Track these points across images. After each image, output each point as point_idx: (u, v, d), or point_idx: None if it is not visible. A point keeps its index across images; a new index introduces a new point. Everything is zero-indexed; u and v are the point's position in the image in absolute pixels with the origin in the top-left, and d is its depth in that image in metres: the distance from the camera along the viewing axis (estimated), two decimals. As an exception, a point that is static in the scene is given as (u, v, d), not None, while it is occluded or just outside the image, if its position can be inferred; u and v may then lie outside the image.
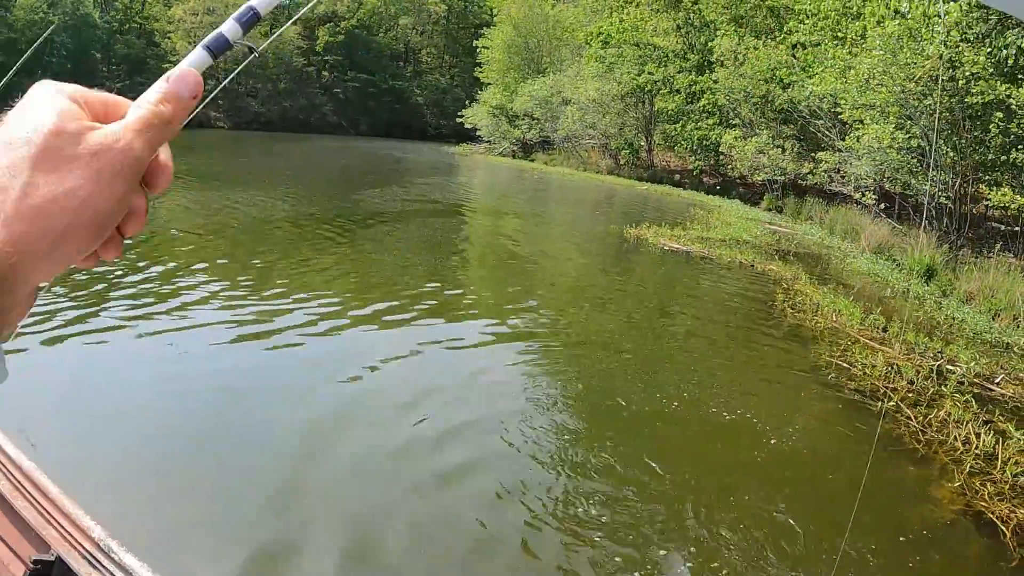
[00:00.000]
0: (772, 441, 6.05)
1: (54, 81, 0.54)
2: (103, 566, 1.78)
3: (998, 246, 14.88)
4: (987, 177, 15.60)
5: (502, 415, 5.87)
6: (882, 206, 17.45)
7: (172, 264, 9.50)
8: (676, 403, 6.58)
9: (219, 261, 10.11)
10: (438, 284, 10.08)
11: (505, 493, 4.72)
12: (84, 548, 1.81)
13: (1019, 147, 14.47)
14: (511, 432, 5.59)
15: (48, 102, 0.51)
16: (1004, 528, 5.11)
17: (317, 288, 9.09)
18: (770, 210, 18.40)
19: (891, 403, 6.97)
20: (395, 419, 5.64)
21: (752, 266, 12.06)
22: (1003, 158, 14.82)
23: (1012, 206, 14.37)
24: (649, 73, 29.30)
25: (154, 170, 0.56)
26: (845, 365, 7.87)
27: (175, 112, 0.55)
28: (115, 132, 0.52)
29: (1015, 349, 10.26)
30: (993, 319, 11.67)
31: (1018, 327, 11.20)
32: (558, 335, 8.41)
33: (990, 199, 14.55)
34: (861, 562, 4.46)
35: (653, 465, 5.37)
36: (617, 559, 4.18)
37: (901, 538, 4.88)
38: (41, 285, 0.53)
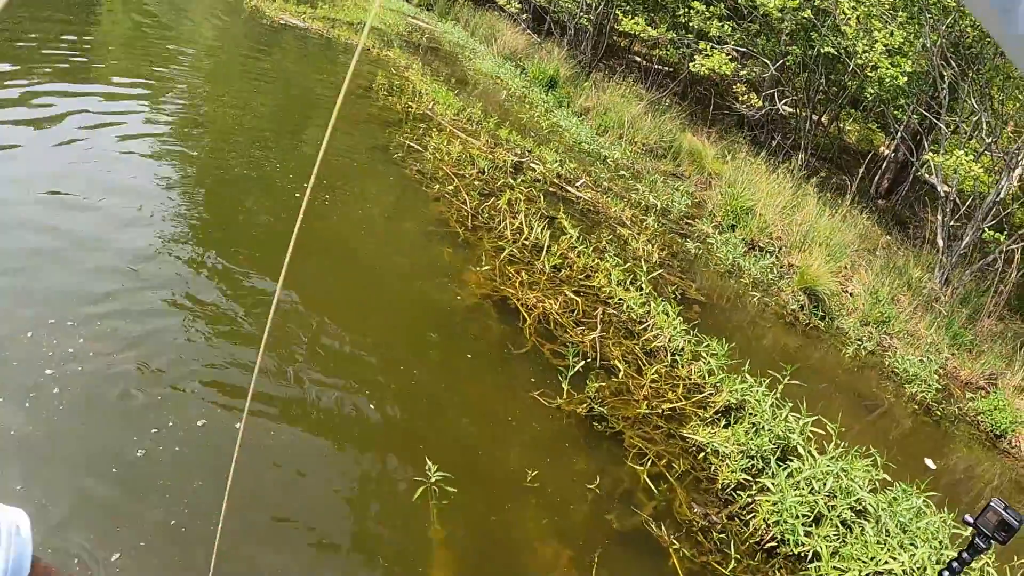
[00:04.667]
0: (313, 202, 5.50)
1: None
2: None
3: (622, 69, 15.30)
4: (627, 7, 15.77)
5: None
6: (524, 16, 17.11)
7: None
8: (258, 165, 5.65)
9: None
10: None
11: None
12: None
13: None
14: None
15: None
16: (527, 315, 5.07)
17: None
18: (420, 6, 17.18)
19: (451, 187, 6.34)
20: None
21: (369, 50, 10.77)
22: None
23: (643, 36, 14.81)
24: None
25: None
26: (419, 148, 7.10)
27: None
28: None
29: (608, 162, 10.50)
30: (600, 135, 11.89)
31: (620, 145, 11.51)
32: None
33: (622, 26, 14.78)
34: (351, 336, 4.07)
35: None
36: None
37: (411, 315, 4.66)
38: None
